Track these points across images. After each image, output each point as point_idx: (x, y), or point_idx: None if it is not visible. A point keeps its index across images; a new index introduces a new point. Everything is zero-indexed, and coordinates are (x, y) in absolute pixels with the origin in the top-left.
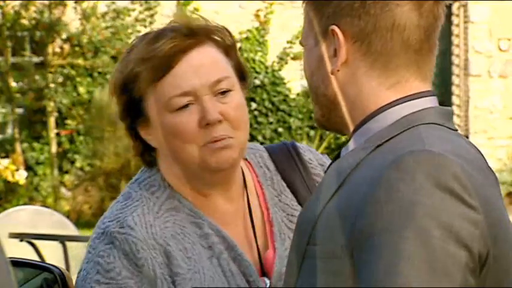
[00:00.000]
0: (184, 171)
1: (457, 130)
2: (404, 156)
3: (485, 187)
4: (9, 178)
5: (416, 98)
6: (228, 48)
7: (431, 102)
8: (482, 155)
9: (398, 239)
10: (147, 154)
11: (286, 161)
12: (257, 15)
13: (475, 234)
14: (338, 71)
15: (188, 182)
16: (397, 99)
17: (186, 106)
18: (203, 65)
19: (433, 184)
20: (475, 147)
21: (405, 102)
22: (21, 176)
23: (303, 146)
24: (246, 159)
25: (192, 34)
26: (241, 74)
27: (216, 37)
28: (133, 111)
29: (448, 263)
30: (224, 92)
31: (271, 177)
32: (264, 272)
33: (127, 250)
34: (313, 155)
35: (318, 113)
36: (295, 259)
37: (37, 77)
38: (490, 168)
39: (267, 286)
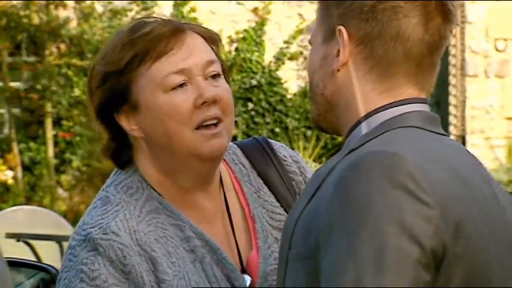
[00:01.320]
0: (168, 162)
1: (443, 134)
2: (362, 157)
3: (450, 186)
4: (5, 179)
5: (404, 104)
6: (215, 44)
7: (419, 107)
8: (473, 157)
9: (351, 237)
10: (121, 153)
11: (261, 158)
12: (255, 11)
13: (428, 231)
14: (338, 70)
15: (170, 176)
16: (385, 105)
17: (180, 86)
18: (196, 46)
19: (388, 182)
20: (465, 151)
21: (392, 107)
22: (17, 178)
23: (275, 142)
24: None
25: (181, 23)
26: (223, 69)
27: (203, 31)
28: (116, 99)
29: (399, 259)
30: (214, 76)
31: (248, 174)
32: (243, 270)
33: (112, 257)
34: (287, 152)
35: (314, 112)
36: (281, 263)
37: (34, 77)
38: (483, 170)
39: (248, 284)
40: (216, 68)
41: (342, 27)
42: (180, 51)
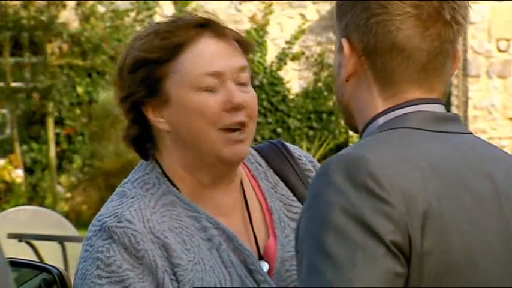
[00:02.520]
0: (191, 158)
1: (454, 132)
2: (327, 162)
3: (422, 184)
4: (7, 178)
5: (407, 106)
6: (248, 52)
7: (422, 108)
8: (485, 153)
9: (320, 238)
10: (143, 144)
11: (277, 158)
12: (253, 18)
13: (389, 227)
14: (347, 80)
15: (192, 171)
16: (388, 108)
17: (212, 89)
18: (231, 50)
19: (349, 183)
20: (471, 148)
21: (395, 110)
22: (18, 175)
23: (290, 144)
24: None
25: (222, 26)
26: (251, 78)
27: (239, 37)
28: (147, 91)
29: (367, 255)
30: (243, 84)
31: (264, 171)
32: (261, 257)
33: (126, 243)
34: (301, 152)
35: (343, 117)
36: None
37: (36, 77)
38: (490, 165)
39: (266, 270)
40: (247, 74)
41: (344, 40)
42: (216, 53)
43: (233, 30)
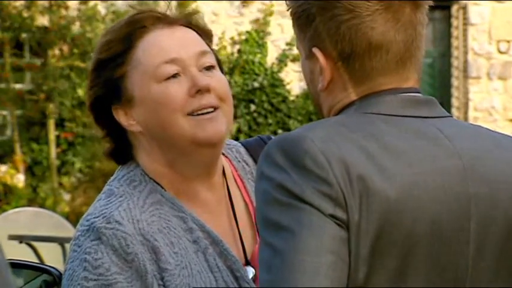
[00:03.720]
0: (169, 153)
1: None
2: (268, 145)
3: (365, 163)
4: (8, 181)
5: (380, 95)
6: (208, 36)
7: (390, 93)
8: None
9: (265, 214)
10: (122, 152)
11: None
12: (255, 21)
13: (328, 205)
14: (326, 88)
15: (171, 167)
16: (361, 98)
17: (174, 76)
18: (188, 38)
19: (289, 163)
20: (445, 130)
21: (369, 98)
22: (19, 180)
23: None
24: (223, 154)
25: (173, 18)
26: (218, 63)
27: (195, 25)
28: (111, 94)
29: (311, 224)
30: (209, 68)
31: (251, 171)
32: (247, 262)
33: (116, 245)
34: None
35: (324, 114)
36: None
37: (37, 79)
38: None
39: (251, 276)
40: (210, 59)
41: (315, 50)
42: (172, 41)
43: (189, 19)
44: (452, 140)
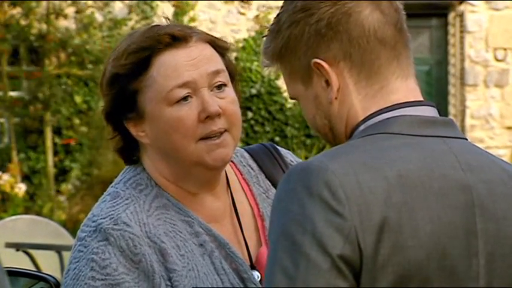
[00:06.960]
0: (174, 168)
1: (439, 136)
2: (290, 170)
3: (385, 194)
4: (8, 190)
5: (392, 110)
6: (222, 49)
7: (410, 111)
8: (467, 159)
9: (275, 247)
10: (131, 151)
11: (269, 161)
12: (257, 18)
13: (339, 241)
14: (336, 98)
15: (176, 180)
16: (373, 113)
17: (185, 99)
18: (203, 57)
19: (306, 192)
20: (452, 154)
21: (380, 114)
22: (21, 189)
23: (282, 148)
24: None
25: (190, 32)
26: (232, 75)
27: (211, 39)
28: (124, 105)
29: (310, 268)
30: (220, 86)
31: (256, 175)
32: (253, 266)
33: (123, 246)
34: (294, 158)
35: (332, 138)
36: None
37: (34, 87)
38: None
39: (258, 279)
40: (223, 78)
41: (316, 60)
42: (187, 63)
43: (206, 33)
44: (466, 171)
